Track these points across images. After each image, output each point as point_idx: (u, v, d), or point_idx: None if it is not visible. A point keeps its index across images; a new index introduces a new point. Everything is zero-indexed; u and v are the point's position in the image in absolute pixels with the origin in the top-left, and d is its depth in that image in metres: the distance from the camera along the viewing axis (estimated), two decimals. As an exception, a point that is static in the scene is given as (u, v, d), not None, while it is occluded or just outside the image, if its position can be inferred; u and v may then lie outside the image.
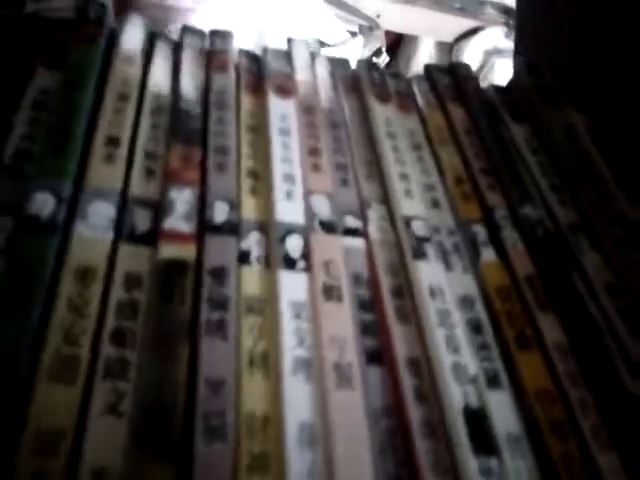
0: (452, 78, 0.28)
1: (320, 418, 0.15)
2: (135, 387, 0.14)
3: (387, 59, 0.99)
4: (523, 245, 0.21)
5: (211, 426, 0.14)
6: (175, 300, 0.16)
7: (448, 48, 1.06)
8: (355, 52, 0.96)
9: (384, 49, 1.00)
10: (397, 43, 1.11)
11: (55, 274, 0.16)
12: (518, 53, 0.30)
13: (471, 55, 1.03)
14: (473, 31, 1.04)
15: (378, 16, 0.99)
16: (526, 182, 0.24)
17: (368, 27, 0.97)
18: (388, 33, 1.05)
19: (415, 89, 0.27)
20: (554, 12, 0.30)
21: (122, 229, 0.18)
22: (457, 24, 1.04)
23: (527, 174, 0.24)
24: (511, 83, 0.30)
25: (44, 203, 0.17)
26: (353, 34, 0.97)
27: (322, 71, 0.26)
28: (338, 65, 0.27)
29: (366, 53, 0.96)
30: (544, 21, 0.28)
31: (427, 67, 0.28)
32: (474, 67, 1.04)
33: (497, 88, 0.29)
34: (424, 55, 1.06)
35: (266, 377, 0.16)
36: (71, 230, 0.17)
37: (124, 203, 0.18)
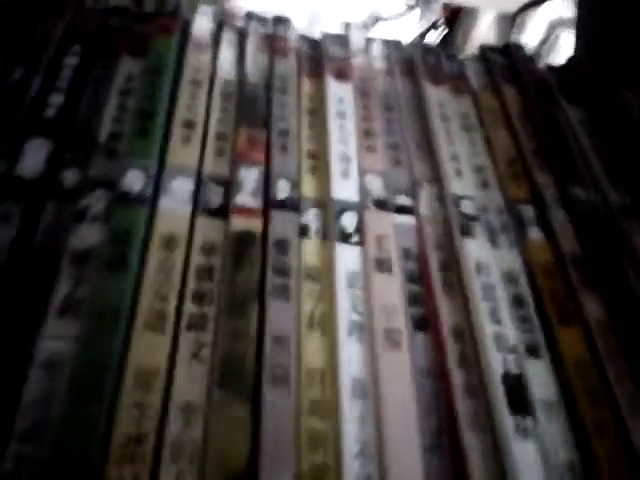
0: (507, 59, 0.29)
1: (370, 375, 0.17)
2: (214, 338, 0.17)
3: (445, 32, 0.97)
4: (571, 225, 0.22)
5: (276, 375, 0.16)
6: (245, 267, 0.18)
7: (509, 20, 1.02)
8: (412, 25, 0.95)
9: (442, 22, 0.98)
10: (455, 16, 1.08)
11: (145, 241, 0.18)
12: (577, 34, 0.29)
13: (534, 27, 0.99)
14: (537, 2, 0.99)
15: (436, -13, 0.96)
16: (578, 163, 0.24)
17: (426, -1, 0.95)
18: (446, 5, 1.02)
19: (469, 71, 0.28)
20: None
21: (199, 203, 0.20)
22: (520, -6, 0.99)
23: (580, 156, 0.25)
24: (568, 64, 0.30)
25: (135, 180, 0.19)
26: (410, 7, 0.95)
27: (378, 54, 0.27)
28: (393, 47, 0.28)
29: (423, 26, 0.94)
30: (604, 5, 0.28)
31: (482, 48, 0.29)
32: (537, 40, 0.99)
33: (553, 68, 0.29)
34: (484, 28, 1.03)
35: (323, 336, 0.18)
36: (157, 203, 0.19)
37: (199, 180, 0.20)
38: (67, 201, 0.19)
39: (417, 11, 0.94)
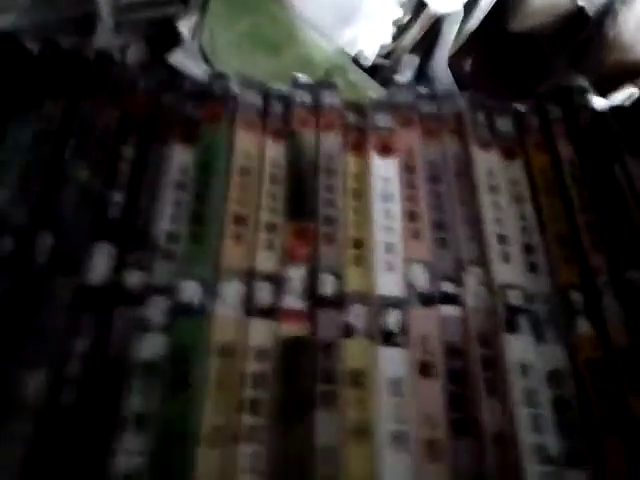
0: (564, 106, 0.27)
1: (414, 487, 0.18)
2: (267, 452, 0.18)
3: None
4: (623, 314, 0.21)
5: (325, 487, 0.18)
6: (294, 375, 0.20)
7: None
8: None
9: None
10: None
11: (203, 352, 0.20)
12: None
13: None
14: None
15: None
16: (637, 237, 0.23)
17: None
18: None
19: (522, 128, 0.26)
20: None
21: (250, 305, 0.21)
22: None
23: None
24: (634, 105, 0.27)
25: (193, 291, 0.21)
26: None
27: (425, 113, 0.27)
28: (443, 102, 0.27)
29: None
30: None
31: (539, 97, 0.27)
32: None
33: (617, 110, 0.27)
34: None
35: (367, 446, 0.19)
36: (212, 311, 0.21)
37: (251, 279, 0.22)
38: (132, 305, 0.21)
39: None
